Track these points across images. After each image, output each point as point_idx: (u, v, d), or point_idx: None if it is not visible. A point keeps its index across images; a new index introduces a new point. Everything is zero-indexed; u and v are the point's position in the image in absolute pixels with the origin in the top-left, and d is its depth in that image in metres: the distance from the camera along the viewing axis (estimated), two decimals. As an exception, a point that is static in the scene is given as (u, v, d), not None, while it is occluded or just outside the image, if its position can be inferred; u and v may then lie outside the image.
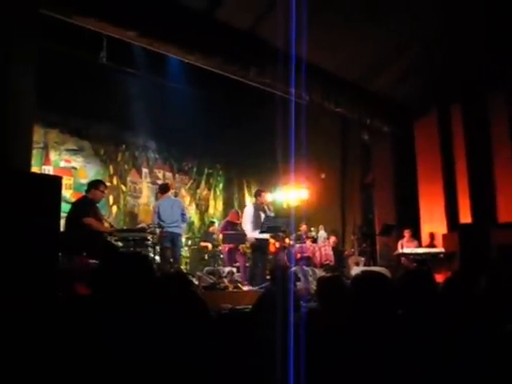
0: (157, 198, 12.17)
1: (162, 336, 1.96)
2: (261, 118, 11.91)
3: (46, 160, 10.43)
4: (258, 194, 9.70)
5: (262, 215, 9.16)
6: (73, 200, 8.52)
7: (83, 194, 7.49)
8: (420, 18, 8.88)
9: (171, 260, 8.68)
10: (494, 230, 9.49)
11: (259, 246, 9.17)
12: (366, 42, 9.33)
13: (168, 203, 8.98)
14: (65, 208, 6.78)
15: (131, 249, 7.43)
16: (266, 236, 9.20)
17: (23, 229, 4.72)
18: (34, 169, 9.05)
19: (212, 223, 11.85)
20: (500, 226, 10.24)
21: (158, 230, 8.71)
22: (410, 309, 2.61)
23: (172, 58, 9.36)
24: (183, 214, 8.99)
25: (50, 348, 1.95)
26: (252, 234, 9.22)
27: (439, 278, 7.07)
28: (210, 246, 10.77)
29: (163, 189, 9.38)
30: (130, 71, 10.73)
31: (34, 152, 8.92)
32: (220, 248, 10.61)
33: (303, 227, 11.83)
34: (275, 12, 6.89)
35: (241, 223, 10.02)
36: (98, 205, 7.28)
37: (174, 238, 8.76)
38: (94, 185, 7.23)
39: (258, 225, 9.10)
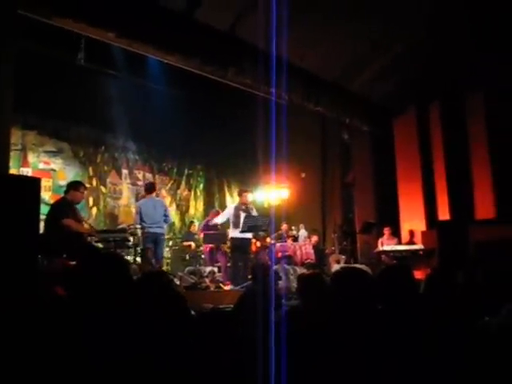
0: (137, 199, 12.14)
1: (142, 335, 1.96)
2: (241, 118, 11.95)
3: (24, 162, 10.33)
4: (239, 194, 9.72)
5: (242, 215, 9.15)
6: (52, 202, 8.45)
7: (62, 195, 7.39)
8: (399, 17, 8.97)
9: (152, 260, 8.64)
10: (472, 227, 9.61)
11: (239, 246, 9.17)
12: (345, 42, 9.41)
13: (151, 203, 8.88)
14: (44, 210, 6.72)
15: (112, 250, 7.38)
16: (247, 235, 9.21)
17: (2, 231, 4.68)
18: (12, 171, 8.95)
19: (192, 223, 11.84)
20: (477, 222, 10.38)
21: (139, 231, 8.66)
22: (389, 304, 2.65)
23: (151, 58, 9.34)
24: (166, 215, 8.91)
25: (29, 350, 1.94)
26: (232, 233, 9.23)
27: (419, 274, 7.16)
28: (193, 245, 10.77)
29: (149, 188, 9.20)
30: (109, 72, 10.69)
31: (12, 154, 8.82)
32: (201, 248, 10.62)
33: (284, 226, 11.87)
34: (255, 12, 6.90)
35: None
36: (77, 206, 7.23)
37: (156, 238, 8.66)
38: (73, 186, 7.15)
39: (236, 224, 9.11)
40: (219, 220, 9.69)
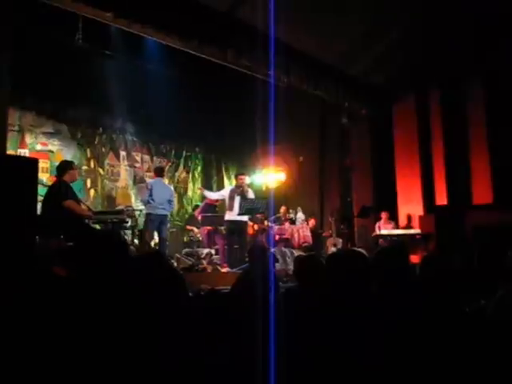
0: (135, 181, 12.13)
1: (141, 315, 1.97)
2: (240, 100, 11.88)
3: (21, 143, 10.30)
4: (235, 177, 9.74)
5: (237, 198, 9.15)
6: (50, 184, 8.43)
7: (57, 177, 7.29)
8: (399, 2, 8.92)
9: (151, 242, 8.67)
10: (469, 212, 9.64)
11: (234, 229, 9.19)
12: (344, 25, 9.35)
13: (161, 185, 8.95)
14: (41, 192, 6.71)
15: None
16: (243, 218, 9.22)
17: None
18: (10, 152, 8.94)
19: (197, 207, 11.84)
20: (475, 207, 10.41)
21: (137, 213, 8.67)
22: (384, 285, 2.66)
23: (150, 39, 9.28)
24: (170, 201, 8.95)
25: (27, 331, 1.95)
26: (227, 215, 9.25)
27: (416, 258, 7.18)
28: (195, 229, 10.80)
29: (159, 171, 9.30)
30: (108, 53, 10.62)
31: (10, 135, 8.80)
32: (200, 230, 10.65)
33: (283, 209, 11.89)
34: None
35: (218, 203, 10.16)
36: (75, 189, 7.21)
37: (162, 220, 8.72)
38: (68, 166, 7.10)
39: (230, 207, 9.14)
40: (213, 196, 9.80)
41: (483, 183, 10.71)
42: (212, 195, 10.18)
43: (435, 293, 2.80)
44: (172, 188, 9.90)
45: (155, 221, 8.57)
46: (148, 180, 9.28)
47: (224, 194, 9.57)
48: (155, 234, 8.86)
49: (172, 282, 2.11)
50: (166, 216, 8.86)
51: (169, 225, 11.40)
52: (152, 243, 8.70)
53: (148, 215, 8.67)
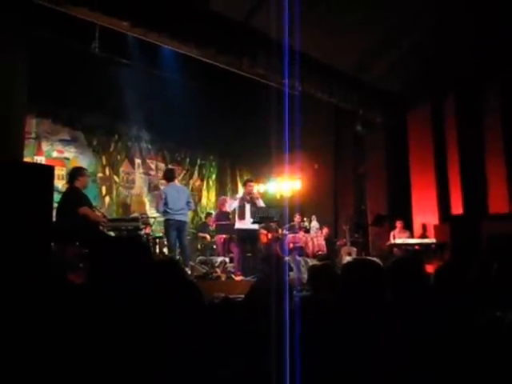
0: (149, 189, 12.17)
1: (155, 323, 1.96)
2: (255, 108, 11.90)
3: (38, 150, 10.40)
4: (244, 184, 9.67)
5: (247, 206, 9.08)
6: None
7: (69, 185, 7.28)
8: (414, 9, 8.89)
9: (164, 250, 8.65)
10: (485, 221, 9.55)
11: (245, 237, 9.11)
12: (359, 32, 9.34)
13: (175, 189, 8.73)
14: (57, 199, 6.76)
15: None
16: (253, 226, 9.12)
17: (15, 218, 4.71)
18: (27, 159, 9.03)
19: (209, 215, 11.85)
20: (491, 217, 10.31)
21: (151, 220, 8.66)
22: (399, 295, 2.64)
23: (166, 48, 9.33)
24: (189, 202, 8.75)
25: (43, 338, 1.95)
26: (237, 224, 9.16)
27: (430, 268, 7.13)
28: (208, 236, 10.80)
29: (170, 175, 9.04)
30: (124, 61, 10.69)
31: (26, 143, 8.91)
32: (215, 238, 10.65)
33: (297, 217, 11.87)
34: (269, 2, 6.87)
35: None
36: (90, 196, 7.26)
37: (180, 226, 8.52)
38: (78, 172, 7.13)
39: (240, 215, 9.07)
40: (228, 208, 9.73)
41: (499, 192, 10.61)
42: (229, 208, 9.99)
43: (450, 303, 2.78)
44: (186, 189, 9.72)
45: (174, 225, 8.41)
46: (161, 188, 9.16)
47: (235, 202, 9.45)
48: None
49: (187, 291, 2.11)
50: (185, 222, 8.69)
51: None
52: (164, 250, 8.66)
53: (166, 221, 8.53)
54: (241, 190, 14.07)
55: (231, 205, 9.64)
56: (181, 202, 8.55)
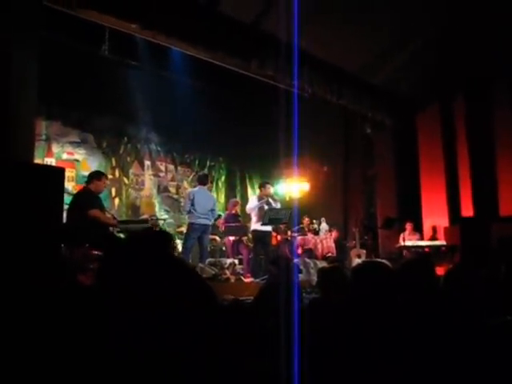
0: (159, 190, 12.21)
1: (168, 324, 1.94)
2: (264, 110, 11.90)
3: (48, 152, 10.45)
4: (262, 186, 9.72)
5: (265, 207, 9.18)
6: (75, 192, 8.52)
7: (84, 185, 7.42)
8: (422, 12, 8.87)
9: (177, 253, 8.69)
10: (496, 224, 9.50)
11: (261, 238, 9.19)
12: (367, 34, 9.33)
13: (204, 193, 8.95)
14: (67, 200, 6.79)
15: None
16: (268, 228, 9.21)
17: (26, 220, 4.74)
18: (37, 161, 9.05)
19: (219, 216, 11.86)
20: (501, 219, 10.25)
21: (160, 222, 8.66)
22: (409, 297, 2.64)
23: (175, 50, 9.37)
24: (213, 210, 8.97)
25: (52, 340, 1.95)
26: (255, 225, 9.25)
27: (441, 270, 7.10)
28: (217, 238, 10.82)
29: (203, 179, 9.28)
30: (133, 63, 10.72)
31: (37, 145, 8.92)
32: (224, 240, 10.66)
33: (306, 220, 11.85)
34: (278, 5, 6.88)
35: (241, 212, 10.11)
36: (100, 197, 7.29)
37: (205, 230, 8.74)
38: (96, 176, 7.19)
39: (260, 217, 9.13)
40: (248, 206, 9.67)
41: (510, 194, 10.56)
42: (254, 218, 9.93)
43: (460, 306, 2.76)
44: (213, 197, 9.88)
45: (198, 230, 8.59)
46: (189, 189, 9.26)
47: (254, 203, 9.49)
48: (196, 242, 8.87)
49: (200, 292, 2.09)
50: (208, 226, 8.87)
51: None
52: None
53: (190, 224, 8.69)
54: (250, 192, 14.11)
55: (252, 203, 9.61)
56: (207, 207, 8.76)
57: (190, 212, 8.69)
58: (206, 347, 1.96)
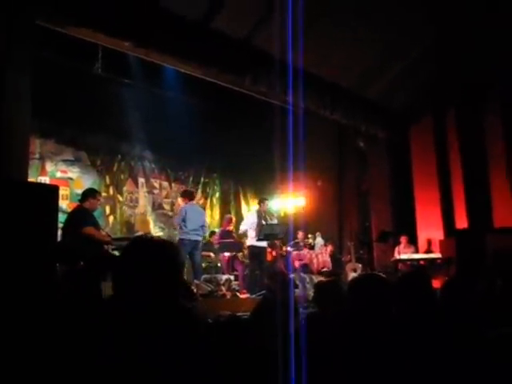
0: (153, 207, 12.18)
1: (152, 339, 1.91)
2: (258, 126, 11.95)
3: (42, 171, 10.42)
4: (260, 202, 9.74)
5: (263, 223, 9.20)
6: (69, 211, 8.49)
7: (78, 203, 7.39)
8: (413, 25, 8.96)
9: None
10: (490, 235, 9.51)
11: (258, 254, 9.18)
12: (360, 49, 9.41)
13: (195, 209, 8.95)
14: (61, 219, 6.77)
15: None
16: (263, 244, 9.22)
17: (20, 238, 4.71)
18: (31, 180, 9.03)
19: (213, 233, 11.84)
20: (496, 231, 10.26)
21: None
22: (406, 310, 2.63)
23: (168, 68, 9.40)
24: (203, 226, 8.96)
25: (49, 357, 1.94)
26: (251, 241, 9.24)
27: (436, 283, 7.10)
28: (212, 255, 10.79)
29: (189, 195, 9.23)
30: (126, 81, 10.75)
31: (30, 163, 8.91)
32: (219, 256, 10.63)
33: (300, 234, 11.84)
34: (271, 21, 6.93)
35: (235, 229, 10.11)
36: (94, 215, 7.26)
37: (195, 245, 8.71)
38: (91, 194, 7.18)
39: (257, 232, 9.16)
40: (243, 227, 9.69)
41: (504, 205, 10.59)
42: (245, 227, 9.91)
43: (457, 318, 2.76)
44: (204, 212, 9.88)
45: (188, 246, 8.54)
46: (182, 205, 9.19)
47: (251, 220, 9.51)
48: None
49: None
50: (198, 242, 8.84)
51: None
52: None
53: (181, 240, 8.62)
54: (244, 208, 14.11)
55: (248, 220, 9.64)
56: (197, 223, 8.74)
57: (180, 228, 8.66)
58: (202, 362, 1.95)
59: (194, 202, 9.27)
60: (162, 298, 1.95)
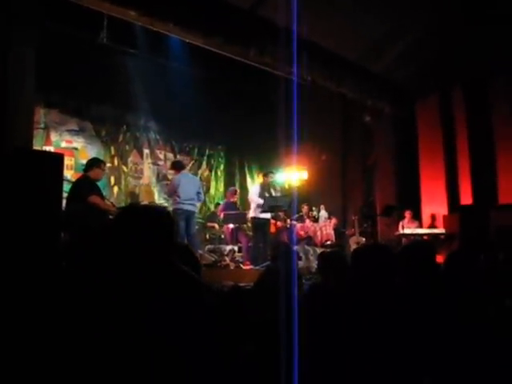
0: (158, 178, 12.19)
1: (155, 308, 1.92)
2: (263, 98, 11.87)
3: (46, 140, 10.42)
4: (265, 175, 9.72)
5: (267, 195, 9.20)
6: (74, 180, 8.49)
7: (83, 173, 7.37)
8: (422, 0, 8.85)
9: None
10: (494, 212, 9.51)
11: (260, 225, 9.19)
12: (368, 22, 9.28)
13: (187, 179, 8.72)
14: (66, 188, 6.77)
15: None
16: (267, 216, 9.22)
17: (25, 206, 4.73)
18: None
19: (218, 205, 11.85)
20: (500, 207, 10.25)
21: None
22: (409, 279, 2.64)
23: (174, 38, 9.32)
24: (199, 193, 8.75)
25: (53, 326, 1.95)
26: (254, 213, 9.25)
27: (440, 258, 7.11)
28: (216, 226, 10.84)
29: (178, 165, 9.04)
30: (131, 51, 10.67)
31: (35, 133, 8.91)
32: (223, 228, 10.68)
33: (305, 207, 11.87)
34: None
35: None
36: (99, 184, 7.26)
37: (189, 216, 8.47)
38: (96, 163, 7.15)
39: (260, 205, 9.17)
40: (252, 204, 9.58)
41: (509, 182, 10.56)
42: (253, 205, 9.85)
43: (459, 289, 2.77)
44: (197, 179, 9.72)
45: (181, 215, 8.35)
46: (174, 176, 9.03)
47: (255, 194, 9.48)
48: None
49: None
50: (193, 212, 8.65)
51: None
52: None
53: (175, 210, 8.41)
54: (249, 181, 14.12)
55: (254, 192, 9.60)
56: (191, 192, 8.53)
57: (172, 197, 8.56)
58: (204, 332, 1.96)
59: (186, 171, 9.07)
60: (156, 262, 1.97)
